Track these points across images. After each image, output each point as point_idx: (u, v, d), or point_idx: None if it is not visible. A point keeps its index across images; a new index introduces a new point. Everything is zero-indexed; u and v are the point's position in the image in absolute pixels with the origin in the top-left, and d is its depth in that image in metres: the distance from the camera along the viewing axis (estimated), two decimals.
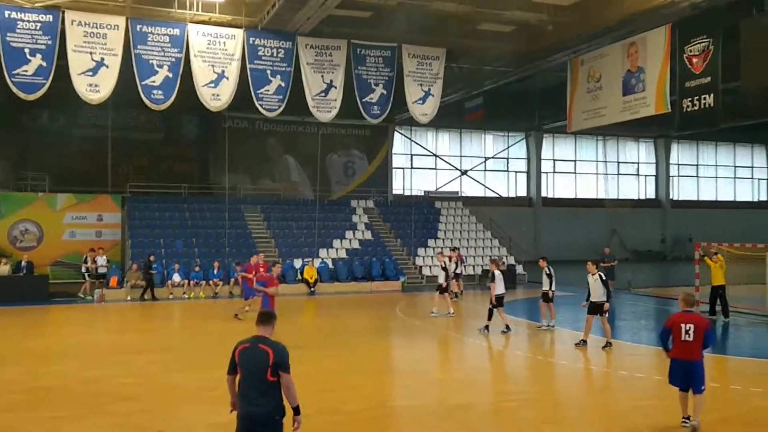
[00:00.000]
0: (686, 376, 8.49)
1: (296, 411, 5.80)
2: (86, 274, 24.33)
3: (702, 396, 8.48)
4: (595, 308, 14.33)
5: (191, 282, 24.60)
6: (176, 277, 24.74)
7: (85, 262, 24.73)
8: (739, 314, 18.73)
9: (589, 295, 14.55)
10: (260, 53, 23.50)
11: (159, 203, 30.60)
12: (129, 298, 23.65)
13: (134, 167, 32.78)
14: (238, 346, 5.93)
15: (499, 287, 16.57)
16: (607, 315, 14.36)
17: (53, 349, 14.81)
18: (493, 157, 42.34)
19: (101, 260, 25.06)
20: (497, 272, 16.72)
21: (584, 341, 14.57)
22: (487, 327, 16.52)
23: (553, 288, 17.21)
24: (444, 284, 19.67)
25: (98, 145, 29.15)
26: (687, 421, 8.54)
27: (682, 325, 8.43)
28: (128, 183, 31.24)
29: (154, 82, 22.20)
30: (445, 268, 19.78)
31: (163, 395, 10.68)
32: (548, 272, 17.18)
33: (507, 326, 16.48)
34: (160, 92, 22.32)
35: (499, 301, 16.53)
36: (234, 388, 6.02)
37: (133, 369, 12.54)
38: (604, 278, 14.36)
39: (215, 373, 12.10)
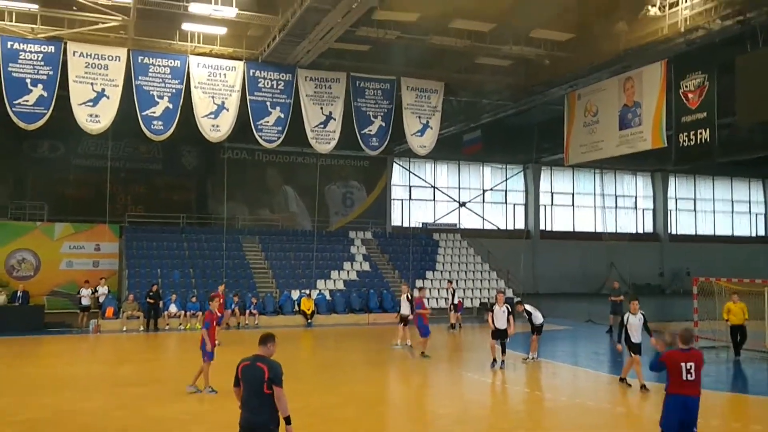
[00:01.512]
0: (686, 413, 7.93)
1: (287, 421, 6.63)
2: (79, 306, 24.24)
3: None
4: (638, 348, 13.62)
5: (187, 313, 24.43)
6: (173, 308, 24.60)
7: (78, 293, 24.63)
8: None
9: (620, 336, 13.96)
10: (260, 85, 23.70)
11: (157, 233, 30.57)
12: (125, 328, 23.48)
13: (133, 197, 32.87)
14: (240, 363, 6.87)
15: (499, 321, 16.26)
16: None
17: (46, 380, 14.64)
18: (491, 190, 42.45)
19: (102, 290, 25.06)
20: (497, 307, 16.46)
21: (644, 386, 13.40)
22: (502, 362, 16.18)
23: (537, 323, 17.28)
24: (409, 316, 19.43)
25: (97, 174, 29.23)
26: None
27: (683, 364, 7.94)
28: (126, 213, 31.28)
29: (154, 112, 22.34)
30: (409, 300, 19.58)
31: (152, 428, 10.52)
32: (527, 315, 17.32)
33: (494, 360, 16.20)
34: (160, 123, 22.44)
35: (494, 334, 16.30)
36: (240, 398, 6.91)
37: (124, 401, 12.39)
38: (646, 318, 13.73)
39: (205, 405, 12.01)
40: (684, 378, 7.96)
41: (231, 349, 18.95)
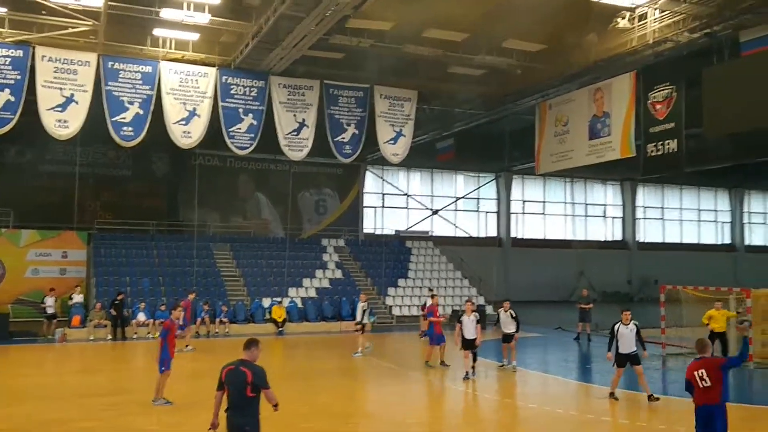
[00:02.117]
0: (707, 422, 8.16)
1: (276, 405, 7.28)
2: (45, 315, 23.77)
3: None
4: (625, 360, 13.34)
5: (156, 321, 24.06)
6: (141, 316, 24.25)
7: (43, 301, 24.16)
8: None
9: (611, 345, 13.60)
10: (233, 92, 23.55)
11: (126, 240, 30.14)
12: (92, 337, 23.08)
13: (102, 204, 32.34)
14: (225, 367, 7.28)
15: (468, 331, 16.00)
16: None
17: (11, 391, 14.34)
18: (463, 197, 42.69)
19: (78, 298, 24.71)
20: (465, 317, 16.17)
21: (613, 394, 13.52)
22: (473, 370, 15.99)
23: (518, 330, 17.29)
24: (362, 324, 19.94)
25: (65, 180, 28.74)
26: None
27: (695, 373, 8.24)
28: (95, 220, 30.79)
29: (124, 118, 22.06)
30: (364, 309, 20.04)
31: None
32: (513, 315, 17.25)
33: (466, 372, 15.92)
34: (130, 129, 22.17)
35: (465, 344, 16.06)
36: (219, 403, 7.31)
37: (91, 412, 12.19)
38: (639, 329, 13.39)
39: (175, 416, 11.86)
40: (701, 386, 8.18)
41: (202, 356, 18.90)
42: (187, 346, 20.17)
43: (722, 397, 8.14)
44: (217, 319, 24.98)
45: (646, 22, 20.18)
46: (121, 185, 33.08)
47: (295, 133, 24.58)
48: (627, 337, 13.26)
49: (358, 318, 20.07)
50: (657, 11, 19.69)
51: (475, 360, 16.16)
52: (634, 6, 19.45)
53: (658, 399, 13.05)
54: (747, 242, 50.69)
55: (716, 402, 8.12)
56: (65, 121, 21.49)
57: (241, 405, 7.06)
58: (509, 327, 17.30)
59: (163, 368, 12.62)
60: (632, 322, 13.39)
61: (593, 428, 11.88)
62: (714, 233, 50.46)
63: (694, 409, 8.34)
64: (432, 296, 20.65)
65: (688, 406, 12.93)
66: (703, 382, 8.15)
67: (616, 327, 13.44)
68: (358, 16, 20.38)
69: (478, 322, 16.16)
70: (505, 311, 17.46)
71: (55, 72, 21.29)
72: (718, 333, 17.80)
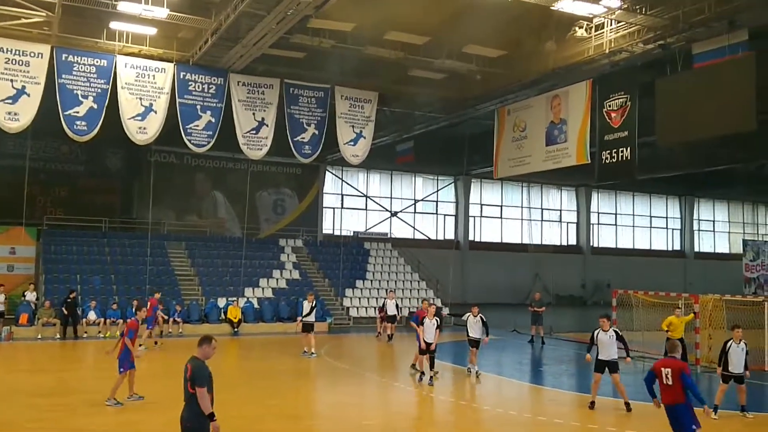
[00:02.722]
0: (674, 420, 8.71)
1: (210, 417, 7.04)
2: None
3: None
4: (603, 366, 13.21)
5: (107, 320, 23.61)
6: (92, 315, 23.73)
7: None
8: (655, 360, 19.13)
9: (589, 350, 13.62)
10: (191, 88, 23.20)
11: (77, 237, 29.40)
12: (40, 336, 22.48)
13: (52, 199, 31.51)
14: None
15: (428, 334, 15.74)
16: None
17: None
18: (422, 200, 42.91)
19: (31, 295, 24.04)
20: (426, 319, 15.88)
21: (593, 402, 13.29)
22: (431, 377, 15.72)
23: (488, 335, 17.05)
24: (310, 323, 20.11)
25: (15, 175, 27.81)
26: None
27: (662, 370, 8.85)
28: (45, 215, 29.98)
29: (77, 112, 21.53)
30: (312, 306, 20.19)
31: None
32: (484, 320, 16.98)
33: (422, 373, 15.86)
34: (83, 123, 21.65)
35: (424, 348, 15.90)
36: None
37: (37, 413, 11.86)
38: (620, 334, 13.35)
39: (121, 417, 11.62)
40: (664, 382, 8.78)
41: (154, 356, 18.56)
42: (140, 345, 19.81)
43: (687, 398, 8.66)
44: (171, 319, 24.57)
45: (603, 32, 20.57)
46: (74, 181, 32.28)
47: (254, 131, 24.34)
48: (606, 343, 13.16)
49: (305, 313, 20.14)
50: (613, 22, 20.07)
51: (432, 366, 15.75)
52: (591, 16, 19.81)
53: (630, 410, 12.89)
54: (696, 249, 52.12)
55: (681, 402, 8.66)
56: (16, 114, 20.87)
57: (187, 400, 7.15)
58: (477, 332, 17.00)
59: (122, 369, 12.40)
60: (612, 328, 13.36)
61: (546, 430, 12.05)
62: (665, 239, 51.76)
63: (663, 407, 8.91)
64: (424, 300, 20.62)
65: (640, 408, 13.30)
66: (667, 379, 8.74)
67: (596, 333, 13.34)
68: (320, 16, 20.29)
69: (437, 326, 15.80)
70: (474, 316, 17.14)
71: (6, 63, 20.66)
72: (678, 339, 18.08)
